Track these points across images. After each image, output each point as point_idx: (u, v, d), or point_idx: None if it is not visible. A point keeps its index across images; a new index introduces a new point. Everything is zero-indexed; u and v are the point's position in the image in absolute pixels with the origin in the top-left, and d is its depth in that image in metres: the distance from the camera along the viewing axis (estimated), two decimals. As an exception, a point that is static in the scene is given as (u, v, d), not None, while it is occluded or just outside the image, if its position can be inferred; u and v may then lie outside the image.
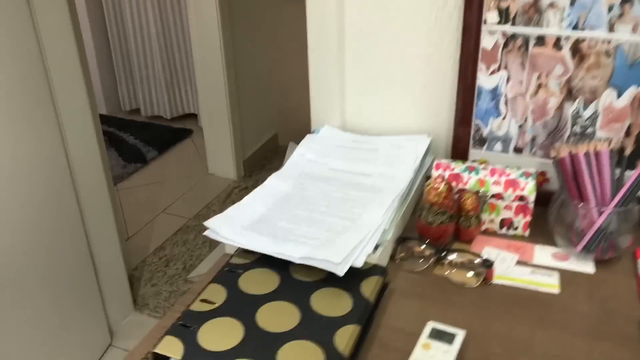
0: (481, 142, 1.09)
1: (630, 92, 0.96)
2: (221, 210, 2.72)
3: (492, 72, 1.03)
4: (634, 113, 0.97)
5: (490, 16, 0.99)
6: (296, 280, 0.83)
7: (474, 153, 1.10)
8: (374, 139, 1.17)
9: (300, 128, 3.23)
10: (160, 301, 2.05)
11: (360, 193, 1.01)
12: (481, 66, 1.03)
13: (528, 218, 0.99)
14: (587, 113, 1.00)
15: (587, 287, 0.89)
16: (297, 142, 1.19)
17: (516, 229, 1.00)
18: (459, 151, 1.10)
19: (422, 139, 1.14)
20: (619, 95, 0.97)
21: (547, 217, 0.98)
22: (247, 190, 2.73)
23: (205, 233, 0.90)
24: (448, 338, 0.77)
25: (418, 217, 0.96)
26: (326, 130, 1.21)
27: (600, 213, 0.91)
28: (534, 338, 0.79)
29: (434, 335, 0.77)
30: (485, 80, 1.04)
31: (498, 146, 1.08)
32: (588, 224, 0.92)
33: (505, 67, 1.02)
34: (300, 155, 1.12)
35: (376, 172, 1.07)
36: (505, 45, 1.00)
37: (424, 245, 0.94)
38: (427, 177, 1.10)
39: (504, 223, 1.00)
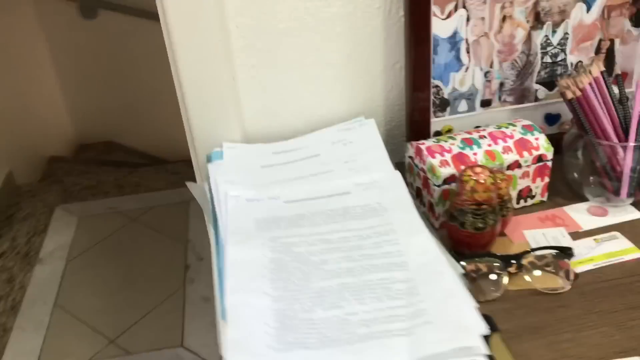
0: (442, 105, 0.86)
1: (599, 2, 0.82)
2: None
3: (449, 15, 0.79)
4: (604, 25, 0.84)
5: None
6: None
7: (435, 122, 0.87)
8: (300, 142, 0.85)
9: (42, 154, 2.59)
10: None
11: (363, 221, 0.70)
12: (434, 9, 0.79)
13: (547, 180, 0.81)
14: (557, 38, 0.84)
15: (657, 237, 0.75)
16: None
17: (534, 196, 0.82)
18: (417, 124, 0.86)
19: (363, 123, 0.86)
20: (589, 8, 0.82)
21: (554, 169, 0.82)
22: None
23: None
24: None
25: (458, 226, 0.70)
26: (229, 149, 0.84)
27: (624, 149, 0.77)
28: (688, 324, 0.63)
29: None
30: (441, 27, 0.80)
31: (463, 105, 0.87)
32: (619, 165, 0.78)
33: (464, 5, 0.79)
34: (235, 198, 0.75)
35: (350, 184, 0.77)
36: (461, -24, 0.77)
37: (479, 260, 0.70)
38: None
39: (522, 194, 0.80)
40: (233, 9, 0.78)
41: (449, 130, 0.88)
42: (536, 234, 0.77)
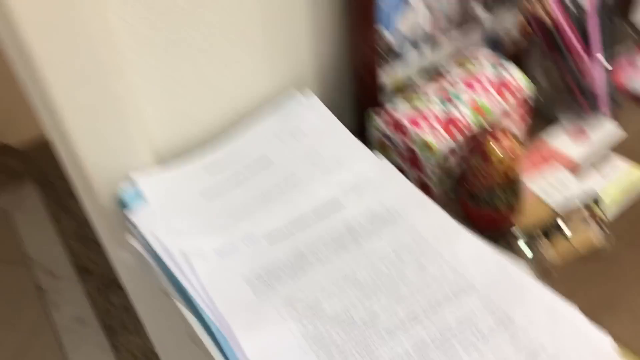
0: (389, 56, 0.70)
1: None
2: None
3: (390, -56, 0.62)
4: None
5: None
6: None
7: (384, 77, 0.71)
8: (234, 146, 0.65)
9: None
10: None
11: (379, 237, 0.55)
12: (373, -59, 0.61)
13: (528, 119, 0.71)
14: (495, -52, 0.71)
15: (649, 149, 0.70)
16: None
17: (515, 138, 0.72)
18: (365, 83, 0.70)
19: (301, 101, 0.68)
20: None
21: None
22: None
23: None
24: None
25: (490, 209, 0.58)
26: (145, 182, 0.61)
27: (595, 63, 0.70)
28: None
29: None
30: (382, -39, 0.63)
31: (410, 50, 0.72)
32: (591, 80, 0.70)
33: None
34: (200, 258, 0.54)
35: (333, 189, 0.60)
36: None
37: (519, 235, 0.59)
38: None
39: (505, 140, 0.70)
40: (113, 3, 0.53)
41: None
42: (541, 183, 0.67)
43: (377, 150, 0.67)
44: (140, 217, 0.57)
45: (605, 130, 0.72)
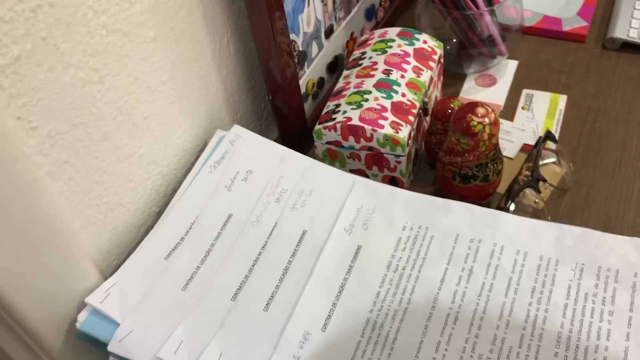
0: (301, 61, 0.64)
1: None
2: None
3: (279, -59, 0.55)
4: None
5: None
6: None
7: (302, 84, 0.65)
8: (186, 215, 0.55)
9: None
10: None
11: (439, 263, 0.50)
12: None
13: (442, 78, 0.71)
14: None
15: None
16: None
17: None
18: (288, 96, 0.63)
19: (235, 137, 0.59)
20: None
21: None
22: None
23: None
24: None
25: (481, 181, 0.56)
26: (110, 305, 0.49)
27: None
28: None
29: None
30: (277, -37, 0.56)
31: (314, 49, 0.66)
32: (486, 28, 0.72)
33: None
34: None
35: (348, 238, 0.53)
36: None
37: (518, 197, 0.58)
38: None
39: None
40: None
41: (313, 85, 0.68)
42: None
43: (326, 162, 0.61)
44: (125, 345, 0.46)
45: (507, 67, 0.75)
